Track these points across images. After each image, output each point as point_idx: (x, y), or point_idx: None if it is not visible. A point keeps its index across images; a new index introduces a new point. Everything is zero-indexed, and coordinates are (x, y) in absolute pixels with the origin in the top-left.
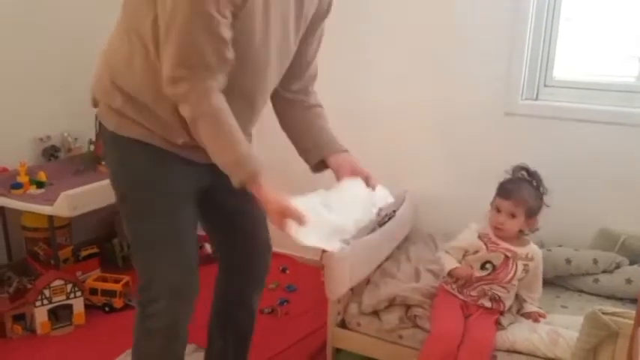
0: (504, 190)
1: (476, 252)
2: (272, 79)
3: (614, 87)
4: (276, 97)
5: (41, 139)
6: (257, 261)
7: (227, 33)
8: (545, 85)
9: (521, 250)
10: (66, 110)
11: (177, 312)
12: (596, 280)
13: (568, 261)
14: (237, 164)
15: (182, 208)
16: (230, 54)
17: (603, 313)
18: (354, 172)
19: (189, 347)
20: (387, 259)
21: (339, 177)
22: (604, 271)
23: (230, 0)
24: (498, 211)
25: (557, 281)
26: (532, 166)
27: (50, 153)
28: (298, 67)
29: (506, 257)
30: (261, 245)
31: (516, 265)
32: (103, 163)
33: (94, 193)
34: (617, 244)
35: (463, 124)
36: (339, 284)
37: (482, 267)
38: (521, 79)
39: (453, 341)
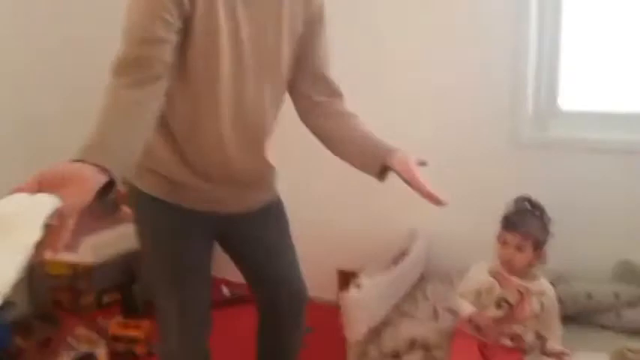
0: (510, 223)
1: (489, 291)
2: (258, 85)
3: (624, 116)
4: (307, 112)
5: None
6: (288, 301)
7: (164, 33)
8: (552, 116)
9: (533, 285)
10: None
11: (188, 347)
12: (619, 315)
13: (589, 296)
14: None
15: (188, 256)
16: (164, 55)
17: (629, 350)
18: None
19: None
20: (404, 298)
21: (407, 178)
22: (627, 305)
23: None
24: (505, 244)
25: (578, 317)
26: (546, 198)
27: None
28: (311, 72)
29: (520, 293)
30: (293, 286)
31: (531, 301)
32: (123, 207)
33: (116, 239)
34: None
35: (472, 158)
36: (358, 325)
37: (498, 305)
38: (528, 111)
39: None
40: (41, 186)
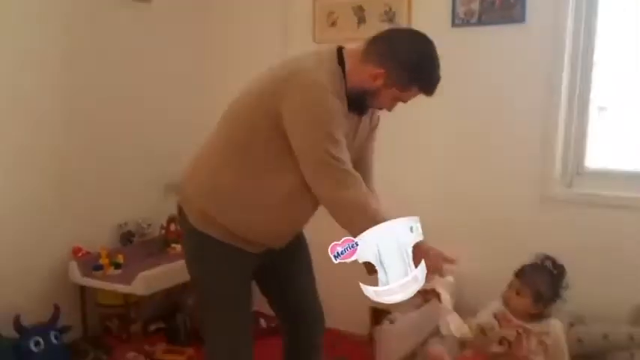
0: (520, 270)
1: (490, 329)
2: None
3: None
4: None
5: (120, 226)
6: (312, 329)
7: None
8: (577, 174)
9: (534, 326)
10: (141, 199)
11: None
12: (633, 356)
13: (605, 337)
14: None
15: (243, 295)
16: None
17: None
18: None
19: None
20: (432, 333)
21: None
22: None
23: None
24: (509, 287)
25: (595, 356)
26: (570, 250)
27: (127, 238)
28: (363, 166)
29: (519, 333)
30: (316, 315)
31: (530, 341)
32: (172, 245)
33: (166, 274)
34: None
35: (500, 209)
36: (389, 355)
37: (500, 343)
38: (555, 167)
39: None
40: None
